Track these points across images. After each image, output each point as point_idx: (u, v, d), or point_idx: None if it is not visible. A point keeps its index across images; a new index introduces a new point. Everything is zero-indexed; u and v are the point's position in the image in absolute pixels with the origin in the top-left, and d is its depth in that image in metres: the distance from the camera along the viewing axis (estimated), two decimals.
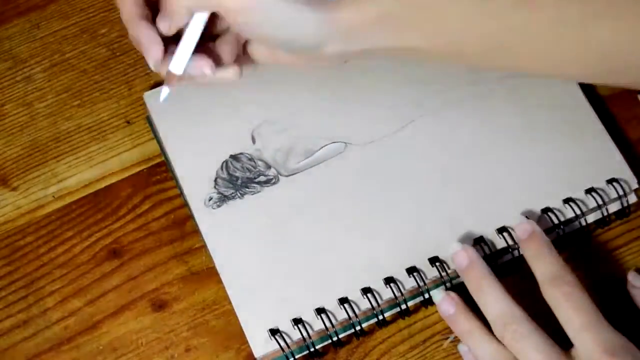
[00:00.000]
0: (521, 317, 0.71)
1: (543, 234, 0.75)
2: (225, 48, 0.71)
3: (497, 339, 0.72)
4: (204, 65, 0.70)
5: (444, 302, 0.75)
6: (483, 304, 0.73)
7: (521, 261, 0.77)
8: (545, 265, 0.73)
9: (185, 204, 0.80)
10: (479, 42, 0.68)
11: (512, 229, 0.77)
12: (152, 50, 0.68)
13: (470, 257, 0.75)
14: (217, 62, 0.71)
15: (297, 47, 0.68)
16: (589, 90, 0.82)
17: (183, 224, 0.81)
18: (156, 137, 0.82)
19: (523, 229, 0.76)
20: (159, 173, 0.82)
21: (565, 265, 0.73)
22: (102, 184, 0.82)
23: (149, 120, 0.83)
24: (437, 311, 0.78)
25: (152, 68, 0.70)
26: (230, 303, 0.77)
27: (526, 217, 0.77)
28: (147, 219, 0.81)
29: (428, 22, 0.68)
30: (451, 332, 0.77)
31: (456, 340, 0.77)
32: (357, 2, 0.67)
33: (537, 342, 0.70)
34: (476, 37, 0.68)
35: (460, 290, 0.77)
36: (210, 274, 0.79)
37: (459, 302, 0.75)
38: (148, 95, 0.82)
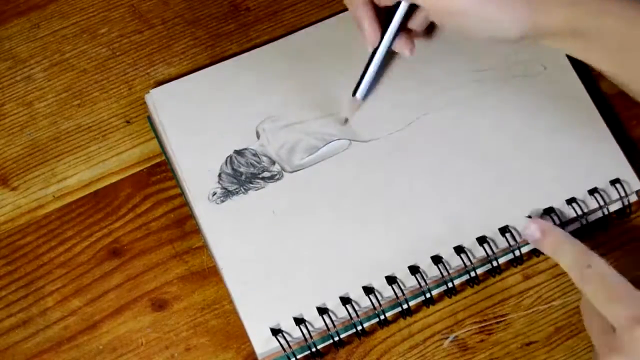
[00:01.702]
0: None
1: (554, 227, 0.76)
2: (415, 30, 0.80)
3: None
4: (405, 47, 0.79)
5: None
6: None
7: (522, 258, 0.78)
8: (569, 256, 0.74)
9: (186, 201, 0.80)
10: None
11: (516, 230, 0.77)
12: (372, 36, 0.78)
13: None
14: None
15: (495, 40, 0.73)
16: (592, 89, 0.83)
17: (183, 224, 0.81)
18: (157, 136, 0.82)
19: (532, 231, 0.76)
20: (158, 173, 0.82)
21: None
22: (102, 184, 0.82)
23: (150, 120, 0.83)
24: (437, 311, 0.78)
25: (369, 48, 0.79)
26: (230, 303, 0.78)
27: (529, 216, 0.78)
28: (147, 218, 0.81)
29: (614, 50, 0.71)
30: (451, 331, 0.77)
31: (456, 340, 0.77)
32: (558, 10, 0.71)
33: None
34: None
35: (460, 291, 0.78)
36: (210, 273, 0.79)
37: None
38: (151, 94, 0.82)
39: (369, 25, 0.77)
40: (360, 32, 0.78)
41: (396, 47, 0.79)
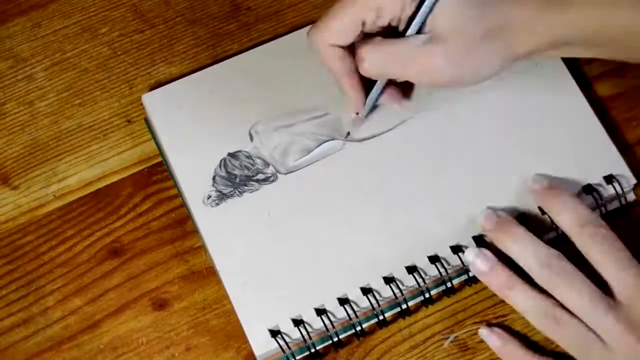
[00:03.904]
0: (561, 257, 0.72)
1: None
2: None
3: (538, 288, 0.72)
4: (394, 101, 0.79)
5: (478, 259, 0.75)
6: (518, 253, 0.74)
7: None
8: (571, 214, 0.74)
9: (184, 203, 0.80)
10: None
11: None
12: (356, 104, 0.77)
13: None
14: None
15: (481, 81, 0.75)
16: (587, 90, 0.82)
17: (184, 223, 0.81)
18: (154, 138, 0.82)
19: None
20: (159, 172, 0.82)
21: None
22: (103, 183, 0.82)
23: (147, 122, 0.83)
24: (437, 311, 0.78)
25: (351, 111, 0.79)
26: (230, 302, 0.78)
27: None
28: (147, 218, 0.81)
29: (597, 44, 0.73)
30: (451, 332, 0.77)
31: (456, 340, 0.77)
32: (533, 32, 0.72)
33: (579, 283, 0.71)
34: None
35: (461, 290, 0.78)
36: (211, 273, 0.79)
37: (492, 257, 0.75)
38: (146, 97, 0.82)
39: (354, 94, 0.77)
40: (343, 96, 0.77)
41: (383, 101, 0.79)
